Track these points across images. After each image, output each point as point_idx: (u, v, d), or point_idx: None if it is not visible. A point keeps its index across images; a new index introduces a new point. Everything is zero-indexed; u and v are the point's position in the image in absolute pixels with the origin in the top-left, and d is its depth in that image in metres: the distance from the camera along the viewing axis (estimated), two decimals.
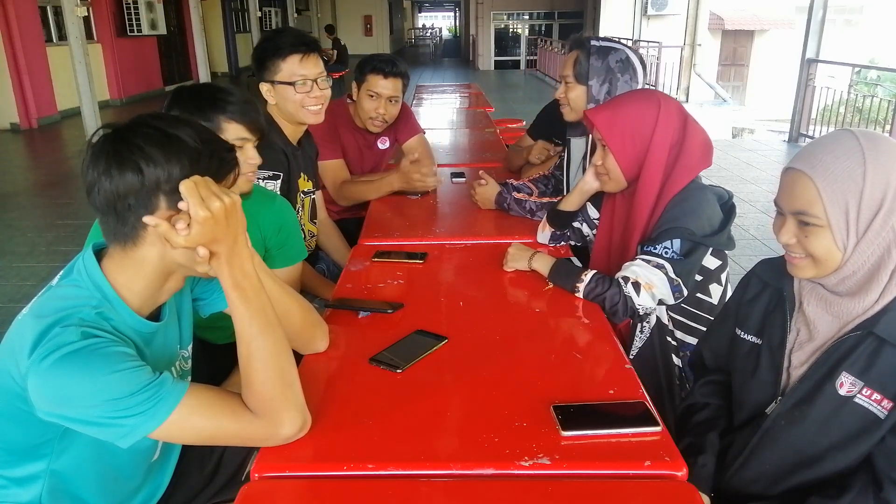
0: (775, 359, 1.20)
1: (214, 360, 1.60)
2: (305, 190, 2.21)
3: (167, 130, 0.98)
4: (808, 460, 1.14)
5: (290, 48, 2.00)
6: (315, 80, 2.03)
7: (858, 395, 1.08)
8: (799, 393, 1.14)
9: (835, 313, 1.12)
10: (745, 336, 1.27)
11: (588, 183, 1.84)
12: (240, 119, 1.52)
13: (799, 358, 1.17)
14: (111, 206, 0.98)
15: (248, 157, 1.55)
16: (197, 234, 0.97)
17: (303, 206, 2.19)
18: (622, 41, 2.15)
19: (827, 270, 1.10)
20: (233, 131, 1.51)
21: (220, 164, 1.04)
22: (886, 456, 1.06)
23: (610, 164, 1.69)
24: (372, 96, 2.57)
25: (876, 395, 1.06)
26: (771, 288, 1.25)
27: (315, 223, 2.33)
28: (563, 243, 2.01)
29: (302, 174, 2.18)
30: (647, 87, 2.05)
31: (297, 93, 2.01)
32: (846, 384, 1.09)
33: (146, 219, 0.96)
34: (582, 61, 1.98)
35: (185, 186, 0.96)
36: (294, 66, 2.01)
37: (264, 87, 2.05)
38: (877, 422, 1.06)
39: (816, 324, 1.15)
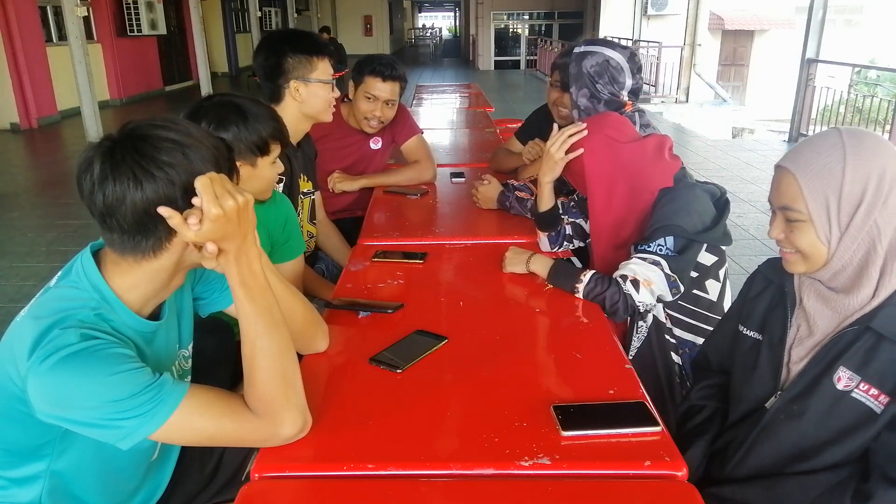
0: (775, 354, 1.21)
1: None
2: (305, 191, 2.22)
3: (179, 139, 0.98)
4: (804, 454, 1.15)
5: (324, 49, 2.10)
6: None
7: (856, 390, 1.09)
8: (797, 387, 1.16)
9: (833, 308, 1.14)
10: (747, 332, 1.29)
11: (544, 175, 1.88)
12: (281, 138, 1.61)
13: (798, 353, 1.18)
14: (141, 223, 0.96)
15: (278, 169, 1.63)
16: (207, 230, 0.97)
17: (302, 207, 2.20)
18: (619, 41, 2.14)
19: (816, 265, 1.12)
20: (276, 150, 1.60)
21: (230, 165, 1.05)
22: (880, 451, 1.07)
23: None
24: (369, 98, 2.56)
25: (873, 391, 1.07)
26: (774, 285, 1.27)
27: (314, 224, 2.34)
28: (567, 246, 2.01)
29: (302, 175, 2.19)
30: (644, 94, 2.06)
31: (331, 92, 2.09)
32: (844, 379, 1.10)
33: (161, 209, 0.95)
34: (565, 69, 1.99)
35: (200, 182, 0.96)
36: (328, 67, 2.10)
37: (295, 85, 2.05)
38: (873, 417, 1.07)
39: (816, 319, 1.16)
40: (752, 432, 1.21)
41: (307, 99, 2.07)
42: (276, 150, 1.59)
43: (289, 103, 2.07)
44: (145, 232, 0.98)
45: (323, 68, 2.08)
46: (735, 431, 1.28)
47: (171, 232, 0.99)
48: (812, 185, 1.08)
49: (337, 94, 2.14)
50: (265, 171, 1.59)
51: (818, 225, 1.09)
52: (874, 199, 1.05)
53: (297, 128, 2.12)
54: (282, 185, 2.00)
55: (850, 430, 1.09)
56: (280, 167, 1.64)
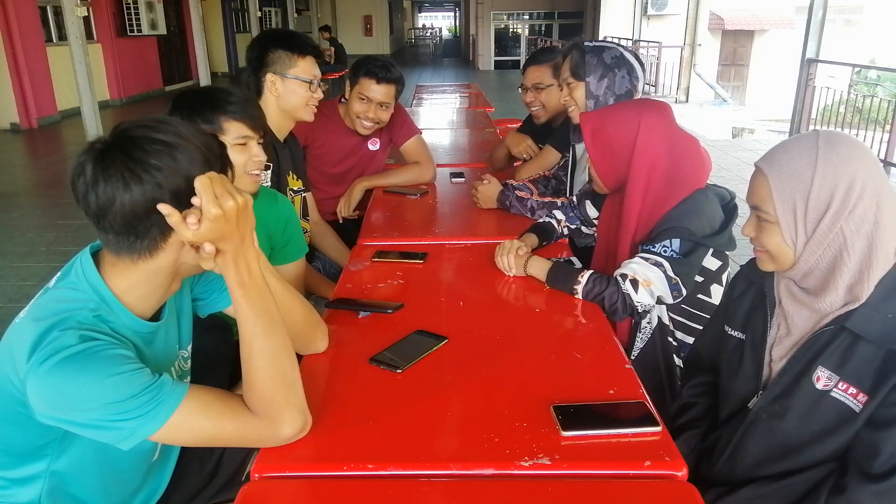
0: (757, 353, 1.23)
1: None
2: (295, 188, 2.22)
3: (167, 140, 0.97)
4: (788, 453, 1.16)
5: (308, 49, 2.11)
6: (320, 83, 2.14)
7: (835, 389, 1.10)
8: (778, 387, 1.17)
9: (807, 308, 1.15)
10: (732, 332, 1.30)
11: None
12: (240, 117, 1.52)
13: (779, 352, 1.20)
14: (132, 226, 0.97)
15: (253, 154, 1.54)
16: (206, 230, 0.97)
17: (293, 204, 2.20)
18: (620, 41, 2.16)
19: (784, 265, 1.14)
20: (235, 130, 1.51)
21: (222, 163, 1.04)
22: (858, 446, 1.09)
23: (592, 171, 1.75)
24: (362, 99, 2.55)
25: (852, 389, 1.08)
26: (755, 285, 1.28)
27: (307, 220, 2.34)
28: (556, 239, 2.06)
29: (291, 172, 2.19)
30: (645, 94, 2.06)
31: (309, 91, 2.10)
32: (822, 378, 1.11)
33: (161, 206, 0.95)
34: (577, 60, 1.99)
35: (200, 182, 0.96)
36: (310, 67, 2.11)
37: (271, 78, 2.07)
38: (853, 415, 1.08)
39: (794, 318, 1.17)
40: (737, 432, 1.22)
41: (283, 94, 2.09)
42: (233, 129, 1.50)
43: (267, 97, 2.09)
44: (138, 233, 0.98)
45: (304, 67, 2.09)
46: (721, 431, 1.29)
47: (165, 233, 0.99)
48: (781, 188, 1.09)
49: (320, 95, 2.14)
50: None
51: (785, 228, 1.11)
52: (841, 207, 1.06)
53: (279, 124, 2.14)
54: (269, 173, 2.01)
55: (831, 429, 1.11)
56: (261, 154, 1.56)
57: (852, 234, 1.07)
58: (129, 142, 0.96)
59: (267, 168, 1.99)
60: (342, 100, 2.71)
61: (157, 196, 0.95)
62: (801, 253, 1.11)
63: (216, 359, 1.55)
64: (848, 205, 1.06)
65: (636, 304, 1.56)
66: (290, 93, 2.09)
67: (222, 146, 1.07)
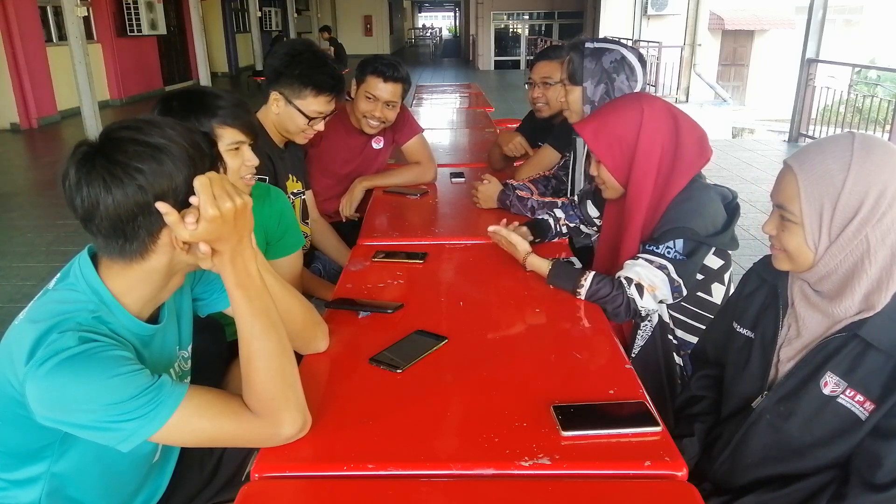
0: (765, 353, 1.22)
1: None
2: (295, 191, 2.21)
3: (152, 142, 0.96)
4: (789, 455, 1.16)
5: (328, 89, 2.06)
6: (325, 117, 2.11)
7: (842, 396, 1.09)
8: (784, 389, 1.16)
9: (819, 312, 1.14)
10: (741, 330, 1.30)
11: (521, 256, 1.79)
12: (232, 123, 1.50)
13: (787, 353, 1.19)
14: (118, 229, 0.97)
15: (246, 158, 1.53)
16: (203, 230, 0.96)
17: (293, 207, 2.19)
18: (622, 41, 2.15)
19: (801, 266, 1.13)
20: (228, 136, 1.49)
21: (211, 161, 1.03)
22: (861, 455, 1.08)
23: (603, 173, 1.71)
24: (369, 98, 2.53)
25: (859, 397, 1.08)
26: (768, 284, 1.27)
27: (307, 223, 2.33)
28: (554, 238, 2.06)
29: (290, 176, 2.19)
30: (647, 87, 2.06)
31: (307, 124, 2.08)
32: (830, 384, 1.10)
33: (159, 205, 0.95)
34: (576, 63, 1.99)
35: (199, 182, 0.96)
36: (321, 105, 2.07)
37: (275, 96, 2.05)
38: (857, 423, 1.08)
39: (806, 321, 1.16)
40: (739, 431, 1.22)
41: (281, 114, 2.08)
42: (226, 134, 1.47)
43: (269, 110, 2.09)
44: (126, 236, 0.97)
45: (312, 103, 2.05)
46: (723, 428, 1.29)
47: (153, 235, 0.98)
48: (810, 189, 1.07)
49: (320, 128, 2.12)
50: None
51: (808, 230, 1.08)
52: (869, 215, 1.04)
53: (277, 134, 2.14)
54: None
55: (835, 434, 1.10)
56: (253, 159, 1.54)
57: (877, 243, 1.05)
58: (112, 145, 0.96)
59: (263, 181, 1.98)
60: (348, 97, 2.70)
61: (140, 200, 0.95)
62: (821, 256, 1.09)
63: (210, 358, 1.54)
64: (877, 213, 1.03)
65: (640, 308, 1.55)
66: (287, 117, 2.07)
67: (213, 144, 1.05)
